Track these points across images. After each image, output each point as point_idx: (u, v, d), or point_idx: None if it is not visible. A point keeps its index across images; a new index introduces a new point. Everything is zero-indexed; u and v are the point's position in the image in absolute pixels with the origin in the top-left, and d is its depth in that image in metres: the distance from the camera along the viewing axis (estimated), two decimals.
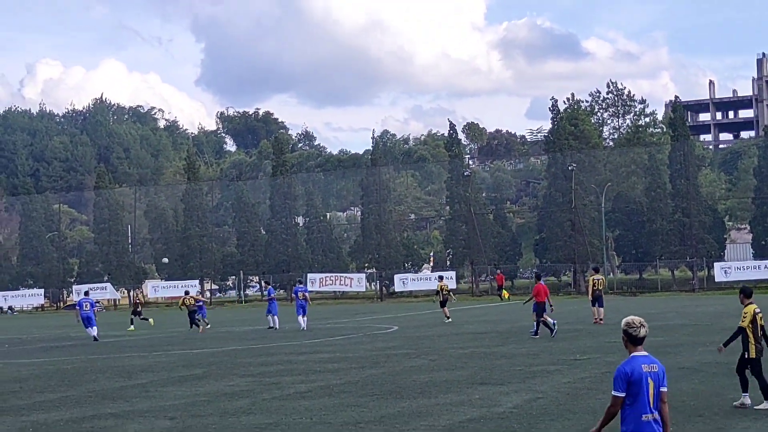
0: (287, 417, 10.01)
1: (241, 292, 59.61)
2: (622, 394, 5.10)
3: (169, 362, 17.31)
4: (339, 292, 57.37)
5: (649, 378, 5.14)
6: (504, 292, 46.10)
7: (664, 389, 5.24)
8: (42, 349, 22.59)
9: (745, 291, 9.61)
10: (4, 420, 10.68)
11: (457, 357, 15.95)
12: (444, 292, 27.15)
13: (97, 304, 25.97)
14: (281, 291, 52.87)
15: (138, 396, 12.37)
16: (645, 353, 5.21)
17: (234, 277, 61.22)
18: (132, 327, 29.18)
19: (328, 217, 65.72)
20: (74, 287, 59.81)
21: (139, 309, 31.15)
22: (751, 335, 9.35)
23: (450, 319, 26.34)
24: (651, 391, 5.13)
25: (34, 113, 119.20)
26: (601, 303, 23.12)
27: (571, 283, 54.85)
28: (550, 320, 19.52)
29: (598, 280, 23.31)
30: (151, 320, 30.55)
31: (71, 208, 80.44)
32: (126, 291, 61.58)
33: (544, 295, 19.89)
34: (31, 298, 61.19)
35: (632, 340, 5.20)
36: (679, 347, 16.17)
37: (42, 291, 60.97)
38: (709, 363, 13.14)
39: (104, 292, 59.41)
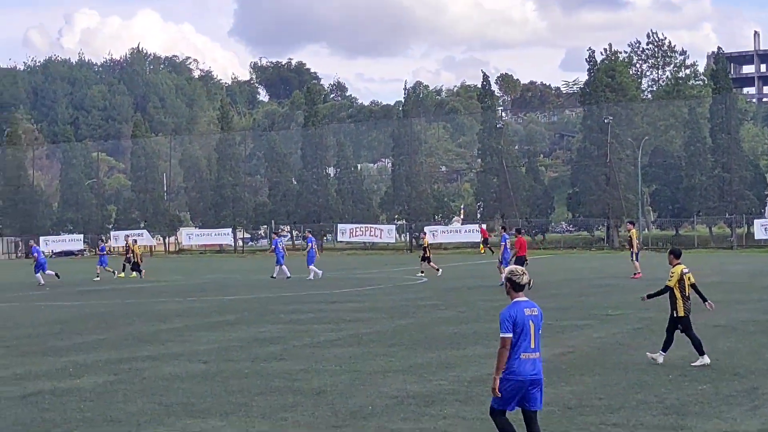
0: (317, 364, 10.17)
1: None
2: (510, 334, 5.53)
3: (203, 308, 17.67)
4: (369, 243, 57.67)
5: (530, 321, 5.58)
6: (481, 246, 46.03)
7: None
8: (80, 293, 23.25)
9: (675, 252, 9.88)
10: (46, 360, 11.06)
11: (486, 310, 15.95)
12: (428, 248, 27.73)
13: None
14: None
15: (173, 340, 12.67)
16: (525, 299, 5.66)
17: (265, 226, 61.89)
18: (122, 274, 28.87)
19: (359, 168, 65.68)
20: (112, 233, 61.19)
21: (129, 256, 29.24)
22: (678, 295, 9.59)
23: (423, 274, 26.50)
24: (532, 333, 5.57)
25: (74, 63, 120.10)
26: (638, 257, 23.34)
27: (605, 237, 54.28)
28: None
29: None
30: (116, 273, 28.82)
31: (109, 156, 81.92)
32: (161, 238, 62.78)
33: (524, 249, 20.44)
34: (71, 243, 62.87)
35: (515, 287, 5.65)
36: (715, 305, 15.88)
37: (81, 237, 62.59)
38: (746, 321, 12.90)
39: (141, 238, 60.57)
